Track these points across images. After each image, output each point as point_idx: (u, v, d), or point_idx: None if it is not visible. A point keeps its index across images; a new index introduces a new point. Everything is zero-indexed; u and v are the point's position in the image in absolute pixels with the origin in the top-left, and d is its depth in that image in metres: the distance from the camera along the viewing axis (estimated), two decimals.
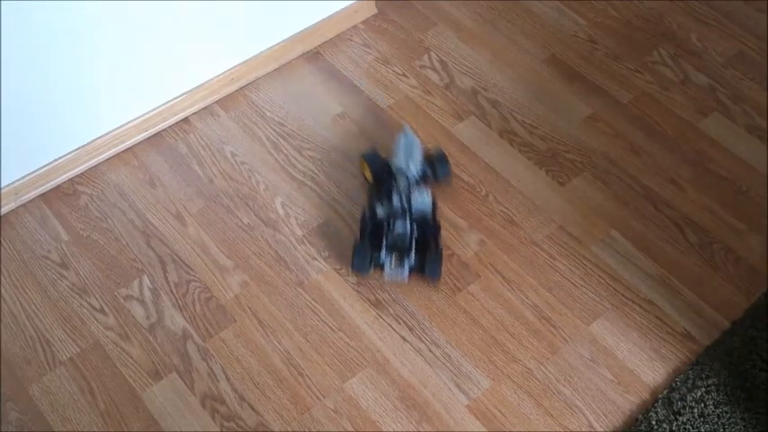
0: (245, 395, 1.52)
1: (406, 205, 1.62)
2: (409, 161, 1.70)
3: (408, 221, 1.60)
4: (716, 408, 1.45)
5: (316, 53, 2.04)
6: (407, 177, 1.66)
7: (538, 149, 1.84)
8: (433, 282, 1.62)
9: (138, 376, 1.55)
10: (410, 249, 1.58)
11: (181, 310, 1.63)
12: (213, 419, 1.49)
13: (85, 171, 1.84)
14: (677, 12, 2.08)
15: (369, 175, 1.74)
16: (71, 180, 1.83)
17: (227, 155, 1.85)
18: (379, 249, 1.59)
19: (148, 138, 1.89)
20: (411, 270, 1.60)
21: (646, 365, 1.52)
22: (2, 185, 1.74)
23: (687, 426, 1.43)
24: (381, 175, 1.71)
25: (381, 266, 1.61)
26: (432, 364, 1.54)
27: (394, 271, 1.60)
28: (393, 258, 1.59)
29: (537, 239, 1.69)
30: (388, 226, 1.60)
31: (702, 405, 1.45)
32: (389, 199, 1.64)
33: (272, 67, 2.00)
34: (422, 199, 1.65)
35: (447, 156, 1.76)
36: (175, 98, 1.88)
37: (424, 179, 1.70)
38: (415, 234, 1.60)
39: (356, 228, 1.72)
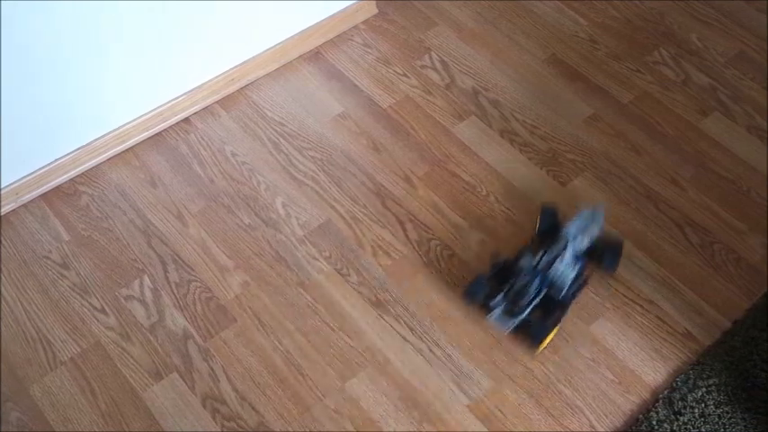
0: (246, 395, 1.52)
1: (546, 266, 1.54)
2: (583, 233, 1.59)
3: (538, 283, 1.53)
4: (717, 408, 1.45)
5: (316, 53, 2.04)
6: (568, 244, 1.56)
7: (539, 149, 1.84)
8: (533, 346, 1.54)
9: (138, 376, 1.55)
10: (524, 310, 1.52)
11: (182, 310, 1.63)
12: (214, 419, 1.49)
13: (86, 171, 1.84)
14: (678, 12, 2.08)
15: (536, 225, 1.66)
16: (72, 180, 1.83)
17: (228, 155, 1.86)
18: (498, 292, 1.54)
19: (149, 138, 1.89)
20: (515, 329, 1.54)
21: (647, 365, 1.53)
22: (2, 185, 1.75)
23: (688, 426, 1.43)
24: (548, 231, 1.62)
25: (490, 308, 1.55)
26: (433, 364, 1.54)
27: (499, 319, 1.54)
28: (504, 308, 1.53)
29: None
30: (518, 276, 1.54)
31: (703, 405, 1.45)
32: (538, 255, 1.57)
33: (273, 67, 2.00)
34: (567, 271, 1.55)
35: (622, 249, 1.63)
36: (176, 98, 1.88)
37: (588, 257, 1.60)
38: (537, 300, 1.53)
39: (357, 228, 1.72)
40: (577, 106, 1.91)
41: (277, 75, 2.00)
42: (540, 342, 1.52)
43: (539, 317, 1.54)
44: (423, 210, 1.75)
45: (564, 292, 1.55)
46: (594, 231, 1.61)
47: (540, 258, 1.55)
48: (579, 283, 1.58)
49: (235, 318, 1.62)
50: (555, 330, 1.54)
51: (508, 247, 1.68)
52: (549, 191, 1.77)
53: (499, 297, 1.53)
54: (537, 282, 1.53)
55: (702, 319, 1.58)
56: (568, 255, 1.56)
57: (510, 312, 1.53)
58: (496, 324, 1.55)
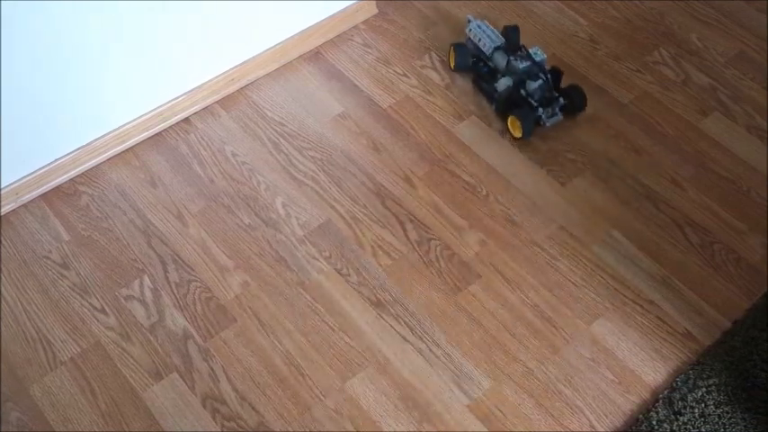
0: (246, 395, 1.52)
1: (532, 64, 1.84)
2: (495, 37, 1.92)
3: (543, 75, 1.83)
4: (717, 408, 1.45)
5: (316, 53, 2.04)
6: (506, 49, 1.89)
7: (538, 149, 1.83)
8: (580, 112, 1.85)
9: (138, 376, 1.55)
10: (557, 98, 1.83)
11: (182, 310, 1.63)
12: (214, 419, 1.49)
13: (86, 171, 1.84)
14: (678, 12, 2.08)
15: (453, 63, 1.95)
16: (72, 180, 1.83)
17: (228, 155, 1.86)
18: (535, 109, 1.82)
19: (149, 138, 1.89)
20: (562, 109, 1.84)
21: (646, 365, 1.53)
22: (2, 185, 1.75)
23: (688, 426, 1.43)
24: (478, 59, 1.95)
25: (541, 122, 1.83)
26: (432, 364, 1.54)
27: (552, 119, 1.83)
28: (546, 110, 1.82)
29: (538, 239, 1.70)
30: (525, 88, 1.83)
31: (703, 405, 1.45)
32: (510, 66, 1.86)
33: (273, 67, 2.00)
34: (535, 52, 1.86)
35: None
36: (176, 98, 1.88)
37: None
38: (549, 82, 1.83)
39: (357, 228, 1.72)
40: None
41: (277, 75, 2.00)
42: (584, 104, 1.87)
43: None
44: (423, 210, 1.75)
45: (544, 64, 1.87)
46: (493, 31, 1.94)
47: (518, 61, 1.86)
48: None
49: (235, 318, 1.62)
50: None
51: (507, 247, 1.69)
52: (549, 191, 1.77)
53: (540, 109, 1.81)
54: (542, 74, 1.84)
55: (702, 319, 1.58)
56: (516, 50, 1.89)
57: (549, 105, 1.82)
58: (554, 122, 1.84)
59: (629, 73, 1.97)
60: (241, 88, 1.97)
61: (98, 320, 1.62)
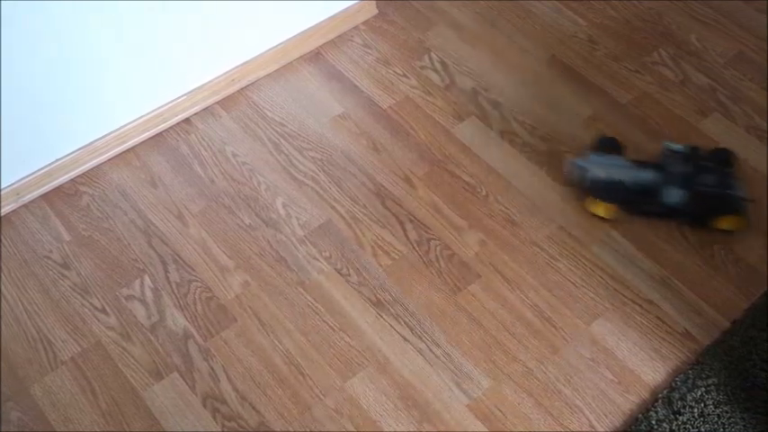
0: (247, 395, 1.52)
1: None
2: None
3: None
4: (716, 407, 1.45)
5: (316, 54, 2.04)
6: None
7: (539, 149, 1.84)
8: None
9: (139, 376, 1.55)
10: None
11: (182, 310, 1.63)
12: (214, 419, 1.50)
13: (87, 171, 1.85)
14: (677, 12, 2.09)
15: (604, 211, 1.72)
16: (73, 180, 1.83)
17: (229, 155, 1.86)
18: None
19: (150, 138, 1.89)
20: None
21: (646, 365, 1.53)
22: (3, 185, 1.75)
23: (687, 425, 1.43)
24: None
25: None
26: (432, 363, 1.55)
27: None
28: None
29: (537, 239, 1.70)
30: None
31: (702, 405, 1.46)
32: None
33: (273, 68, 2.00)
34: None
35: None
36: (176, 99, 1.89)
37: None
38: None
39: (357, 228, 1.72)
40: (577, 106, 1.91)
41: (277, 75, 2.00)
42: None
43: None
44: (423, 210, 1.75)
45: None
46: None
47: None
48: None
49: (235, 318, 1.62)
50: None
51: (507, 247, 1.69)
52: (549, 191, 1.77)
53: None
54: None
55: (702, 318, 1.58)
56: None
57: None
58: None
59: (628, 73, 1.97)
60: (241, 89, 1.97)
61: (99, 320, 1.63)
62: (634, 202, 1.70)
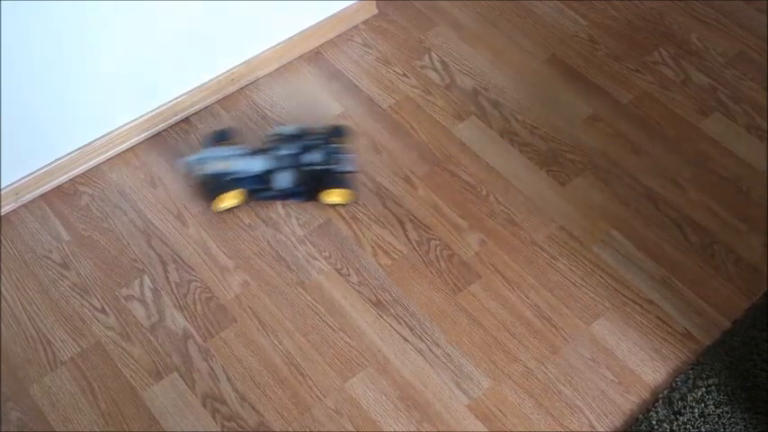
0: (246, 395, 1.52)
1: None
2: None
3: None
4: (716, 408, 1.45)
5: (316, 53, 2.04)
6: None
7: (538, 149, 1.84)
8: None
9: (138, 376, 1.55)
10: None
11: (182, 310, 1.63)
12: (214, 419, 1.50)
13: (86, 171, 1.84)
14: (678, 12, 2.08)
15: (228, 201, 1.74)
16: (72, 180, 1.83)
17: None
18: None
19: (149, 138, 1.89)
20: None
21: (646, 365, 1.53)
22: (2, 185, 1.75)
23: (687, 425, 1.43)
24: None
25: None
26: (432, 363, 1.54)
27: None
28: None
29: (537, 239, 1.70)
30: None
31: (703, 405, 1.45)
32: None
33: (273, 68, 2.00)
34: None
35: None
36: (176, 98, 1.88)
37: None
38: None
39: (357, 228, 1.72)
40: (577, 106, 1.91)
41: (277, 75, 2.00)
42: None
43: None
44: (423, 210, 1.75)
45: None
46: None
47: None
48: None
49: (235, 318, 1.62)
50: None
51: (507, 247, 1.69)
52: (549, 191, 1.77)
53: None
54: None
55: (702, 318, 1.58)
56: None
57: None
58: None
59: (628, 73, 1.97)
60: (241, 88, 1.97)
61: (98, 320, 1.62)
62: (253, 190, 1.73)
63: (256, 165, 1.71)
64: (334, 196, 1.73)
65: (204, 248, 1.71)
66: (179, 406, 1.51)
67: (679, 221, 1.71)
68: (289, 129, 1.76)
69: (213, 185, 1.72)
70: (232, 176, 1.71)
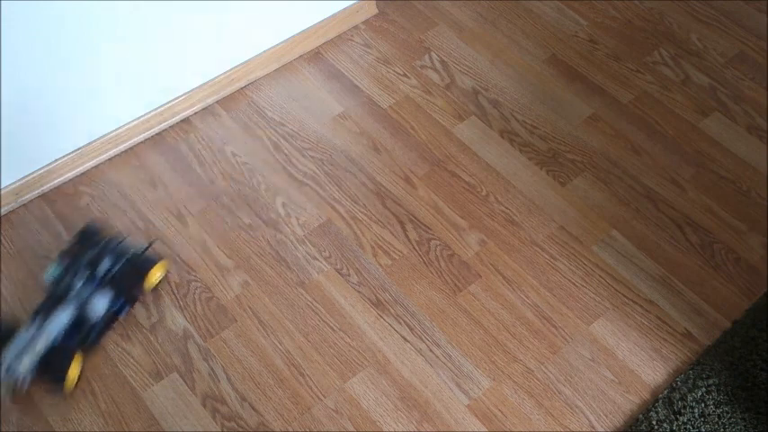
0: (246, 395, 1.52)
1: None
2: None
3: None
4: (716, 408, 1.45)
5: (316, 53, 2.04)
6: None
7: (538, 149, 1.84)
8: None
9: (139, 376, 1.55)
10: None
11: (182, 311, 1.63)
12: (214, 419, 1.50)
13: (86, 171, 1.84)
14: (678, 12, 2.08)
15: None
16: (72, 180, 1.83)
17: (228, 155, 1.86)
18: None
19: (149, 138, 1.89)
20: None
21: (646, 365, 1.53)
22: (3, 185, 1.75)
23: (688, 426, 1.43)
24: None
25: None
26: (432, 364, 1.54)
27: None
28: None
29: (537, 239, 1.70)
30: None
31: (703, 405, 1.45)
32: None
33: (273, 68, 2.00)
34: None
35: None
36: (176, 98, 1.88)
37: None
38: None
39: (357, 228, 1.72)
40: (577, 106, 1.91)
41: (277, 75, 2.00)
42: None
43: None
44: (423, 210, 1.75)
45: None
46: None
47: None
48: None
49: (235, 318, 1.62)
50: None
51: (507, 247, 1.69)
52: (549, 191, 1.77)
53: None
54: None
55: (702, 319, 1.58)
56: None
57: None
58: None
59: (628, 73, 1.97)
60: (241, 88, 1.97)
61: None
62: (84, 339, 1.56)
63: (63, 316, 1.53)
64: (154, 278, 1.62)
65: (204, 248, 1.71)
66: (179, 406, 1.52)
67: (679, 221, 1.71)
68: (55, 270, 1.59)
69: (56, 363, 1.51)
70: (60, 342, 1.52)
